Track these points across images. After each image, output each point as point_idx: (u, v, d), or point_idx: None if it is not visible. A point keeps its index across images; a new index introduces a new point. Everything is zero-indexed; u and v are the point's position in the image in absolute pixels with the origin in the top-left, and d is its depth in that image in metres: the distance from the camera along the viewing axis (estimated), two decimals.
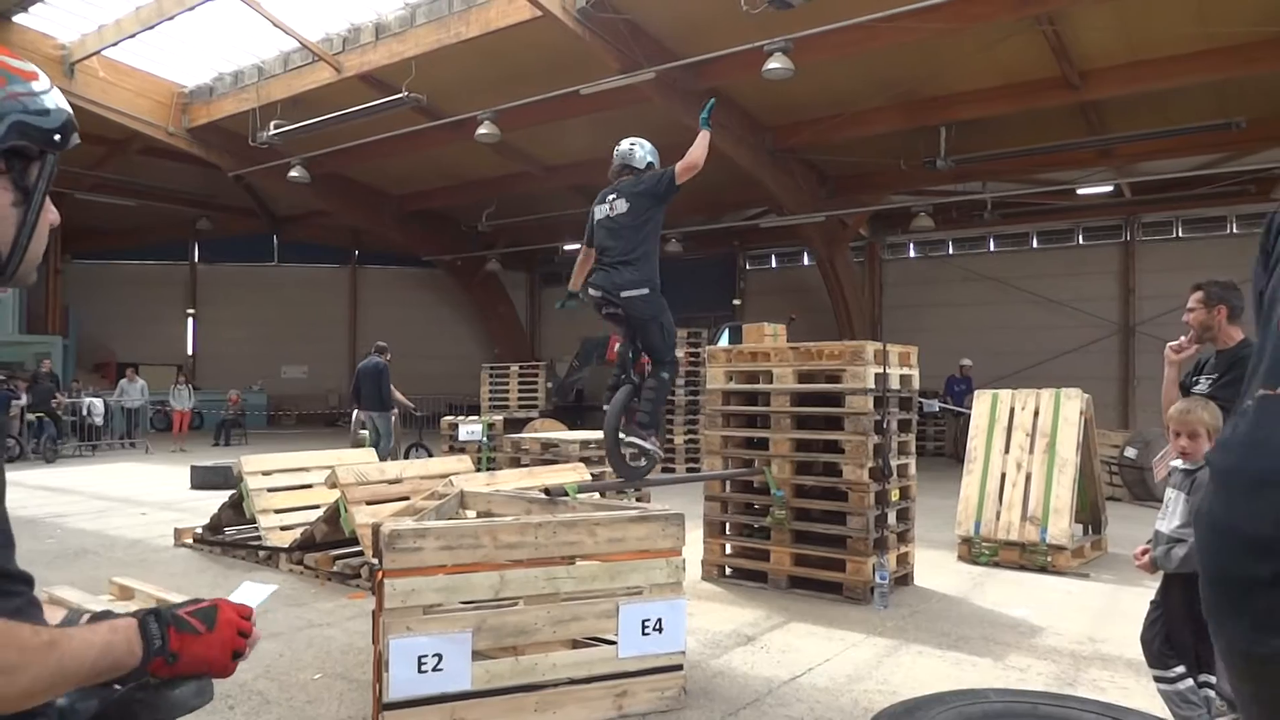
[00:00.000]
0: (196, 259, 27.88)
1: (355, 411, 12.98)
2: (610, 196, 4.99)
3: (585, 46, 12.09)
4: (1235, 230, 18.62)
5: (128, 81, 16.01)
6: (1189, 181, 16.50)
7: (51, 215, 1.21)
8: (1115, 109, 14.37)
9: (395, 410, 12.12)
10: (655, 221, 4.93)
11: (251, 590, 1.42)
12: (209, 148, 17.67)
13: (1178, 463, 3.47)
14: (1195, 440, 3.40)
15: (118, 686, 1.15)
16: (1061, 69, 12.52)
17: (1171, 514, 3.46)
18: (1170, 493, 3.50)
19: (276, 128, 15.38)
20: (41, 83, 1.18)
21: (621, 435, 4.97)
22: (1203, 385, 4.07)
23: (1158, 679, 3.41)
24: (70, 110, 1.20)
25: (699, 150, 4.82)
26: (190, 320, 27.83)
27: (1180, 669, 3.33)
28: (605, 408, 5.07)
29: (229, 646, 1.19)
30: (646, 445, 5.00)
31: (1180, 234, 19.22)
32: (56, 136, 1.17)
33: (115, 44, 14.24)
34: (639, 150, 5.10)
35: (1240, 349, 4.05)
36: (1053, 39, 11.75)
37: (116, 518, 9.20)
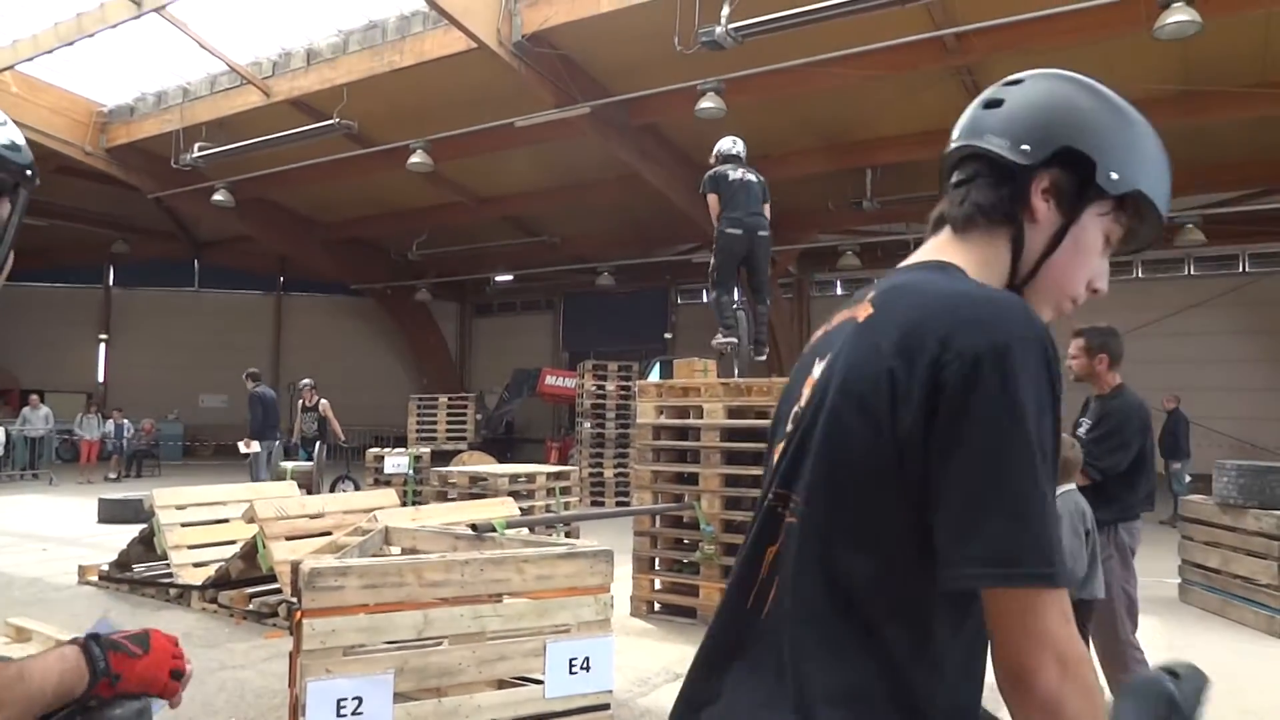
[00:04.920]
0: (111, 283, 26.85)
1: (277, 443, 12.64)
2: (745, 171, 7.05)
3: (520, 80, 12.15)
4: (1140, 275, 19.59)
5: (43, 98, 15.45)
6: None
7: None
8: None
9: None
10: None
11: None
12: (128, 169, 17.12)
13: None
14: None
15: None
16: None
17: None
18: None
19: (201, 150, 15.00)
20: (8, 125, 1.22)
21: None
22: (1082, 430, 4.20)
23: None
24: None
25: None
26: (103, 346, 26.72)
27: None
28: None
29: (166, 666, 1.24)
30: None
31: None
32: (28, 171, 1.22)
33: (30, 59, 13.75)
34: (741, 145, 7.25)
35: (1113, 396, 4.18)
36: (972, 89, 12.25)
37: (14, 554, 8.71)
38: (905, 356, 0.96)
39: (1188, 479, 12.12)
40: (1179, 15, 8.80)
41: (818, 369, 1.10)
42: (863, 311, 1.07)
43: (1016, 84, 1.17)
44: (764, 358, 7.43)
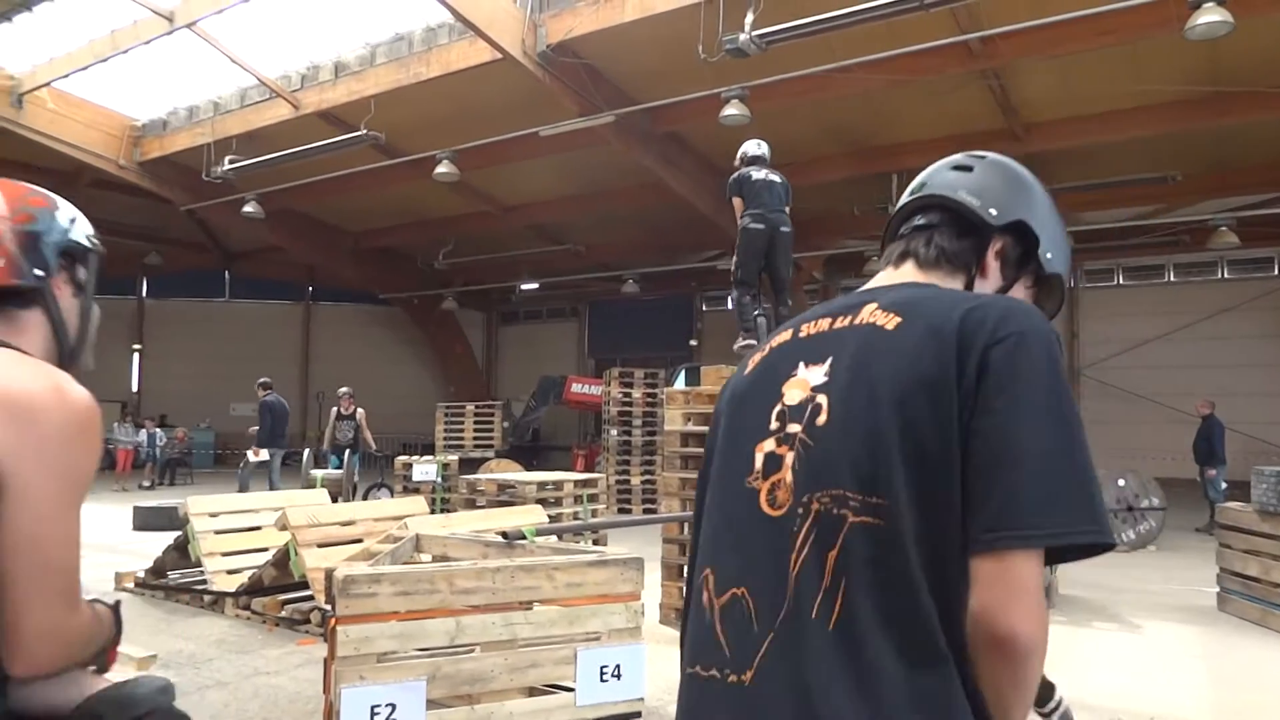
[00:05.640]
0: (144, 294, 27.30)
1: (308, 451, 12.78)
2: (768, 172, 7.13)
3: (545, 89, 12.23)
4: (1172, 278, 19.32)
5: (78, 113, 15.76)
6: (1129, 231, 17.13)
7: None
8: (1058, 160, 14.88)
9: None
10: None
11: None
12: (161, 181, 17.41)
13: None
14: None
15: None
16: (1007, 121, 12.97)
17: None
18: None
19: (231, 163, 15.23)
20: (63, 209, 1.50)
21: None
22: None
23: None
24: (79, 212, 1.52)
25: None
26: (136, 356, 27.16)
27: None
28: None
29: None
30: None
31: (1121, 281, 19.88)
32: (95, 240, 1.51)
33: (66, 76, 14.04)
34: (766, 147, 7.30)
35: None
36: (998, 93, 12.18)
37: None
38: (966, 342, 1.05)
39: (1223, 485, 11.92)
40: (1210, 15, 8.67)
41: (810, 372, 1.17)
42: (885, 319, 1.14)
43: (981, 159, 1.36)
44: None
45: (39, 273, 1.42)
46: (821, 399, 1.13)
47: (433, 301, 25.23)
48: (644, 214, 18.54)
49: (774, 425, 1.17)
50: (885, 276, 1.32)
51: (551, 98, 12.49)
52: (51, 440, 1.24)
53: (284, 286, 27.37)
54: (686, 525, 6.47)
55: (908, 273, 1.30)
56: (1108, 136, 13.10)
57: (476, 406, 17.66)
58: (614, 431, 14.31)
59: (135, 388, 26.95)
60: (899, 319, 1.13)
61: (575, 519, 8.70)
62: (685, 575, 1.30)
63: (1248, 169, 14.55)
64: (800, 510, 1.09)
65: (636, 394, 14.46)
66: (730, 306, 25.28)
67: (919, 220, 1.34)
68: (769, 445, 1.16)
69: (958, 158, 1.37)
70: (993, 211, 1.28)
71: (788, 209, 7.14)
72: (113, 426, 18.85)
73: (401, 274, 24.40)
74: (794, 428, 1.14)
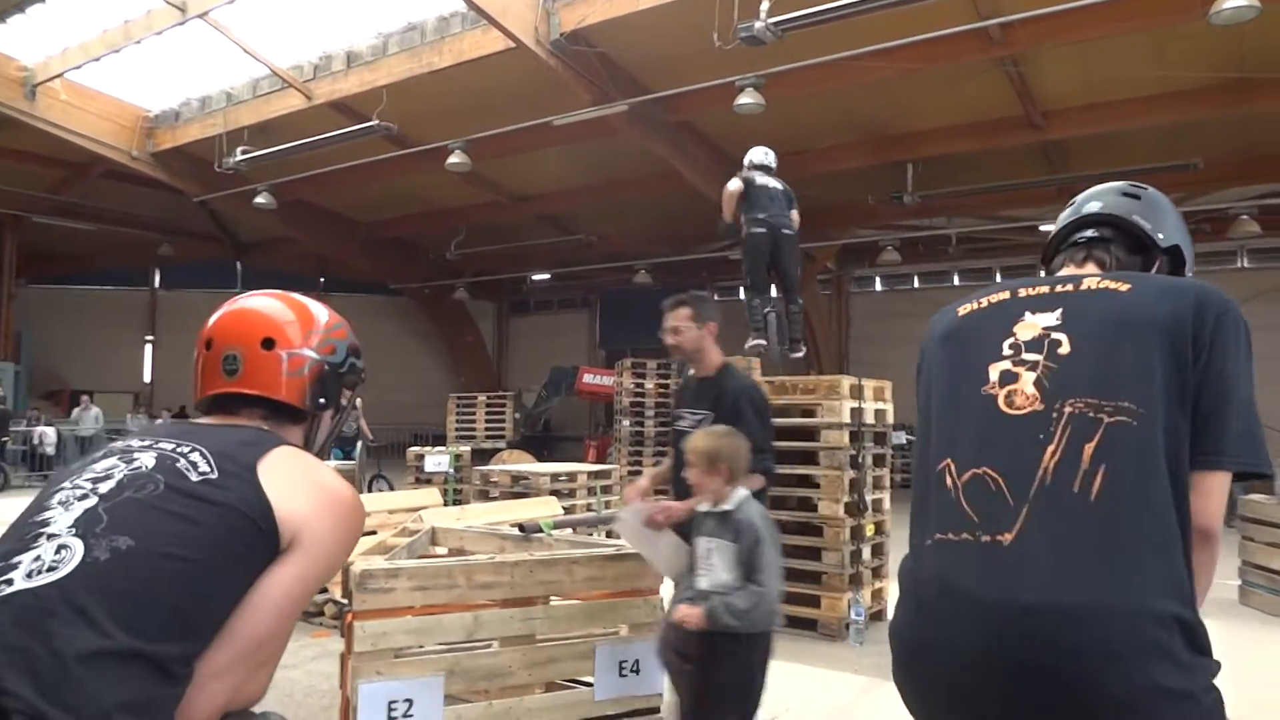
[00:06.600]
0: (157, 285, 27.37)
1: None
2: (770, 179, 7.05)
3: (558, 78, 12.13)
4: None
5: (91, 104, 15.75)
6: None
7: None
8: (1076, 148, 14.71)
9: None
10: None
11: None
12: (173, 172, 17.40)
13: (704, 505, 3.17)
14: (714, 473, 3.08)
15: None
16: (1025, 109, 12.80)
17: (716, 567, 3.07)
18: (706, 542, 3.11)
19: (243, 154, 15.20)
20: (350, 337, 1.66)
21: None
22: (687, 422, 3.77)
23: None
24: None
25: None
26: (149, 347, 27.27)
27: None
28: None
29: None
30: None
31: None
32: (362, 365, 1.67)
33: (79, 67, 14.03)
34: (773, 156, 7.29)
35: (728, 376, 3.83)
36: (1016, 80, 12.02)
37: None
38: (1201, 309, 1.41)
39: None
40: (1236, 0, 8.51)
41: (1039, 317, 1.51)
42: (1116, 285, 1.50)
43: (1144, 189, 1.72)
44: (801, 354, 7.55)
45: (322, 401, 1.58)
46: (1060, 335, 1.47)
47: (444, 292, 25.21)
48: (656, 204, 18.44)
49: (1008, 351, 1.50)
50: (1072, 271, 1.66)
51: (564, 87, 12.40)
52: (337, 531, 1.40)
53: (296, 277, 27.21)
54: None
55: (1091, 270, 1.63)
56: (1128, 124, 12.92)
57: (488, 397, 17.66)
58: (626, 422, 14.25)
59: (148, 379, 27.06)
60: (1129, 285, 1.49)
61: (589, 510, 8.66)
62: (915, 468, 1.64)
63: (1272, 156, 14.32)
64: (1054, 413, 1.41)
65: (649, 385, 14.39)
66: (742, 297, 25.02)
67: (1092, 233, 1.69)
68: (1004, 365, 1.49)
69: (1124, 185, 1.73)
70: (1160, 236, 1.65)
71: (794, 214, 7.15)
72: (125, 418, 18.94)
73: (413, 264, 24.37)
74: (1032, 355, 1.47)
